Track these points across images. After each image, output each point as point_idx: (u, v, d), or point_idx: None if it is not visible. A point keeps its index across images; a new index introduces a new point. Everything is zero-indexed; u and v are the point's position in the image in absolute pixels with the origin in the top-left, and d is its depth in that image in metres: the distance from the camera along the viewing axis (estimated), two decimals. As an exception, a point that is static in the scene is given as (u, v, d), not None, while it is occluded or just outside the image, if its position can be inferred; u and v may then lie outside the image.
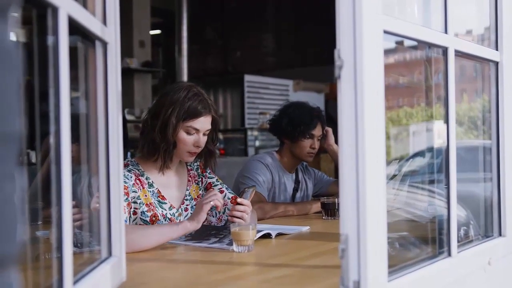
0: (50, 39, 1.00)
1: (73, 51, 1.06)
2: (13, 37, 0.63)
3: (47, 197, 1.09)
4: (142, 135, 2.26)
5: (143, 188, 2.22)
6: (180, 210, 2.32)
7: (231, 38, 10.29)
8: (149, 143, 2.23)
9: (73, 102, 1.07)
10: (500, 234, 1.82)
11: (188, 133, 2.22)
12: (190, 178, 2.41)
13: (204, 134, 2.26)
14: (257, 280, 1.59)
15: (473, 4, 2.12)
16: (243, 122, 7.96)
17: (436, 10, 1.59)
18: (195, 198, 2.38)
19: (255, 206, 2.79)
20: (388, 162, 1.28)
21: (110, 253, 1.37)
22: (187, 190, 2.38)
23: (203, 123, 2.23)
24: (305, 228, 2.39)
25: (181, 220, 2.22)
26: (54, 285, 0.98)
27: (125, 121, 4.67)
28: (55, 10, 0.99)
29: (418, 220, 1.96)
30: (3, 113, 0.58)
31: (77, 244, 1.34)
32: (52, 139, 1.00)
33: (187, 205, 2.36)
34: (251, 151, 7.31)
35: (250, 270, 1.74)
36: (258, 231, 2.06)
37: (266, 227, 2.20)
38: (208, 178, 2.45)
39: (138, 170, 2.25)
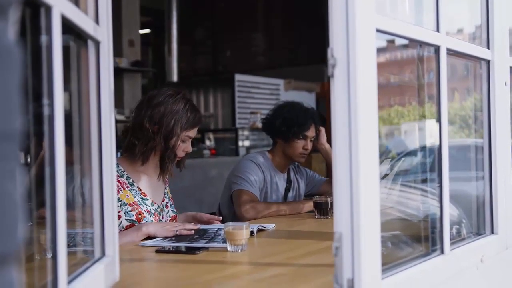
0: (43, 38, 0.99)
1: (64, 51, 1.05)
2: (13, 36, 0.63)
3: (38, 197, 1.08)
4: (140, 141, 2.27)
5: (124, 188, 2.24)
6: (161, 206, 2.40)
7: (221, 37, 10.29)
8: (150, 150, 2.28)
9: (65, 102, 1.06)
10: (492, 232, 1.83)
11: (184, 141, 2.32)
12: (166, 179, 2.50)
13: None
14: (251, 279, 1.59)
15: (464, 2, 2.12)
16: (234, 121, 7.94)
17: (428, 9, 1.60)
18: (170, 198, 2.50)
19: (247, 205, 2.79)
20: (380, 161, 1.28)
21: (103, 253, 1.37)
22: (165, 189, 2.48)
23: (196, 131, 2.37)
24: (271, 226, 2.39)
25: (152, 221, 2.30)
26: (49, 285, 0.98)
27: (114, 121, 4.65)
28: (48, 9, 0.98)
29: (410, 219, 1.97)
30: (5, 112, 0.59)
31: (69, 244, 1.33)
32: (45, 140, 0.99)
33: (166, 202, 2.45)
34: (242, 151, 7.29)
35: (244, 269, 1.74)
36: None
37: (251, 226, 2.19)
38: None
39: (118, 171, 2.26)
